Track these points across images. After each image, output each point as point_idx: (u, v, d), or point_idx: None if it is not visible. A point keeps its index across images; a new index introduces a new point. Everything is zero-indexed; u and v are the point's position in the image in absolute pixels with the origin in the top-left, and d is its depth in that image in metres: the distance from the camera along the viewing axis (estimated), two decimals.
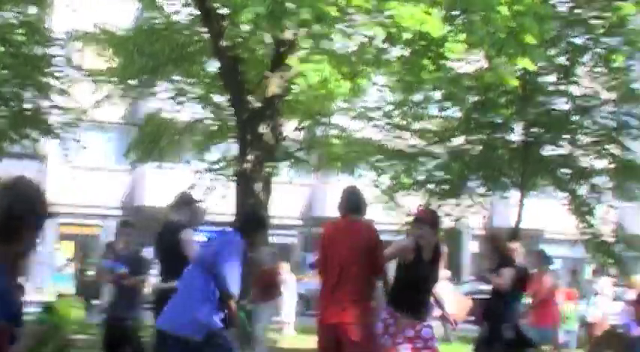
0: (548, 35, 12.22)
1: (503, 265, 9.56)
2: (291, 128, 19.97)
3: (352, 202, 8.33)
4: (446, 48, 11.97)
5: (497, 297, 9.71)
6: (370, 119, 20.97)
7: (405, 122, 21.23)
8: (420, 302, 8.39)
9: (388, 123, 21.10)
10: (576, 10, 20.35)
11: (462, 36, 11.37)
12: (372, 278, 8.16)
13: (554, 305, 13.64)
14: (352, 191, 8.46)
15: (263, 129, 13.76)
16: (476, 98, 21.22)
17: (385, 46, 12.13)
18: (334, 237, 8.27)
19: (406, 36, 11.59)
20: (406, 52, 12.28)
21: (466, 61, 16.51)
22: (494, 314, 9.69)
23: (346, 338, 7.83)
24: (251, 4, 11.15)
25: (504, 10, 11.63)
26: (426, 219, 8.51)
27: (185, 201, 9.46)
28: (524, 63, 11.96)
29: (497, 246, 9.88)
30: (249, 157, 13.62)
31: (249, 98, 14.05)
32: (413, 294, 8.27)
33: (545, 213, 31.12)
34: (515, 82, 13.46)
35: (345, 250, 8.02)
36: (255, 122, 13.77)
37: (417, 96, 20.62)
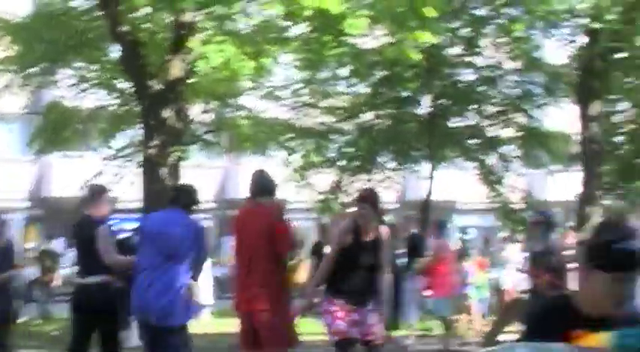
0: (448, 7, 12.23)
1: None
2: (198, 111, 19.72)
3: (258, 185, 8.23)
4: (346, 24, 11.89)
5: None
6: (278, 98, 20.85)
7: (313, 100, 21.17)
8: (362, 288, 7.81)
9: (296, 102, 21.02)
10: None
11: (362, 11, 11.31)
12: (281, 262, 8.07)
13: (451, 274, 13.80)
14: (259, 174, 8.35)
15: (167, 113, 13.52)
16: (382, 73, 21.32)
17: (286, 24, 12.01)
18: (244, 221, 8.17)
19: (306, 13, 11.48)
20: (307, 30, 12.19)
21: (370, 36, 16.49)
22: None
23: (259, 325, 7.76)
24: None
25: None
26: (368, 198, 8.08)
27: (94, 193, 9.25)
28: (425, 36, 11.99)
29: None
30: (154, 142, 13.37)
31: (151, 83, 13.78)
32: (353, 279, 7.80)
33: (457, 184, 31.47)
34: (417, 56, 13.47)
35: (253, 234, 7.93)
36: (158, 107, 13.51)
37: (324, 74, 20.58)
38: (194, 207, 8.27)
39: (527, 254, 10.15)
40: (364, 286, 7.82)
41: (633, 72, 16.95)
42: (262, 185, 8.25)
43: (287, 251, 8.15)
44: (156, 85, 13.79)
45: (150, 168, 13.42)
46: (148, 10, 11.97)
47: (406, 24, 11.45)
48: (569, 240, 15.51)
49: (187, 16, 13.41)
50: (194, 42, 13.51)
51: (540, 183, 31.53)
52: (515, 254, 17.64)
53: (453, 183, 30.14)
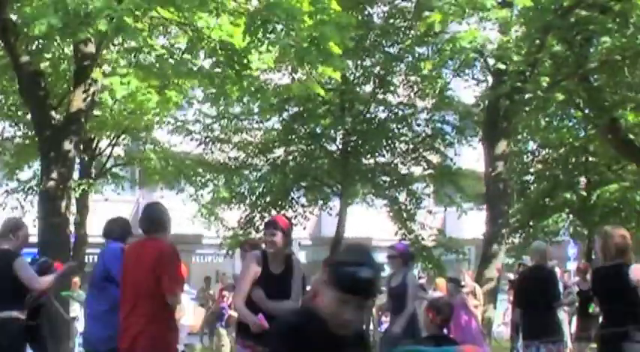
0: (360, 45, 12.26)
1: None
2: (106, 143, 19.42)
3: (149, 220, 8.00)
4: (251, 58, 11.83)
5: None
6: (189, 132, 20.65)
7: (223, 135, 21.03)
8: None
9: (207, 137, 20.83)
10: (391, 21, 20.79)
11: (265, 46, 11.24)
12: (168, 298, 7.83)
13: None
14: (150, 208, 8.12)
15: (67, 145, 13.19)
16: (295, 109, 21.32)
17: (189, 56, 11.88)
18: (131, 257, 7.93)
19: (210, 45, 11.40)
20: (208, 63, 12.08)
21: (276, 71, 16.47)
22: None
23: None
24: (44, 15, 10.64)
25: (309, 20, 11.61)
26: (280, 224, 7.17)
27: (12, 228, 9.03)
28: (328, 71, 11.98)
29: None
30: (53, 175, 13.02)
31: (52, 114, 13.46)
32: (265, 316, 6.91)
33: (372, 221, 31.53)
34: (322, 92, 13.46)
35: (140, 271, 7.69)
36: (58, 138, 13.18)
37: (237, 109, 20.49)
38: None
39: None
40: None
41: (536, 112, 17.23)
42: (153, 220, 8.01)
43: (174, 290, 7.88)
44: (57, 116, 13.47)
45: (48, 200, 13.05)
46: (47, 40, 11.67)
47: (308, 60, 11.40)
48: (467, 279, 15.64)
49: (89, 47, 13.16)
50: (97, 73, 13.26)
51: (455, 221, 31.77)
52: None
53: (369, 220, 30.15)
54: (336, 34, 11.45)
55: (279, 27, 11.40)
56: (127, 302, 7.77)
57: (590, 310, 11.52)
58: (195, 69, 12.03)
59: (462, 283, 13.84)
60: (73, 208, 19.31)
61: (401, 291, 9.84)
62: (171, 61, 11.95)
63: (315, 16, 11.60)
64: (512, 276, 15.43)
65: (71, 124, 13.40)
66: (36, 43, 13.02)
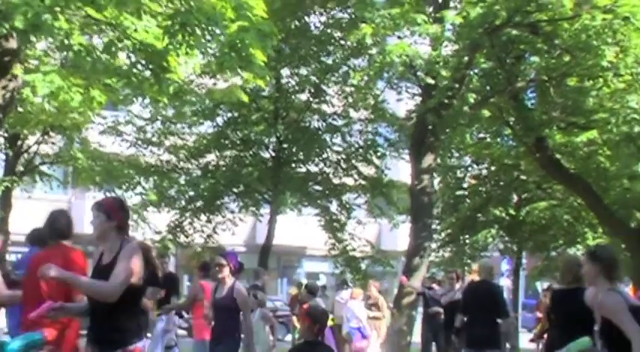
0: (271, 52, 12.24)
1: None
2: (33, 141, 19.18)
3: (51, 227, 7.80)
4: (172, 60, 11.74)
5: None
6: (120, 134, 20.49)
7: (156, 138, 20.90)
8: (103, 326, 5.77)
9: (138, 139, 20.68)
10: (327, 31, 20.83)
11: (183, 49, 11.16)
12: None
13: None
14: (54, 215, 7.93)
15: None
16: (229, 114, 21.28)
17: (105, 55, 11.73)
18: (33, 266, 7.73)
19: (127, 44, 11.28)
20: (127, 63, 11.94)
21: (204, 76, 16.42)
22: None
23: None
24: None
25: (233, 26, 11.57)
26: (104, 205, 5.96)
27: None
28: (251, 78, 11.96)
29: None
30: None
31: None
32: (95, 317, 5.88)
33: (305, 229, 31.56)
34: (245, 98, 13.44)
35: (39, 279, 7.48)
36: None
37: (170, 112, 20.38)
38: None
39: None
40: (103, 324, 5.96)
41: (462, 129, 17.39)
42: (55, 227, 7.85)
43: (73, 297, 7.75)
44: None
45: None
46: None
47: (228, 66, 11.35)
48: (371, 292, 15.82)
49: (11, 43, 12.95)
50: (17, 69, 13.05)
51: (388, 233, 31.89)
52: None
53: (302, 228, 30.15)
54: (257, 42, 11.41)
55: (198, 31, 11.32)
56: (28, 310, 7.54)
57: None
58: (112, 68, 11.88)
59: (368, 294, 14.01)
60: None
61: (228, 303, 9.30)
62: (88, 58, 11.77)
63: (236, 21, 11.55)
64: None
65: None
66: None
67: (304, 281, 31.76)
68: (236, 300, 9.23)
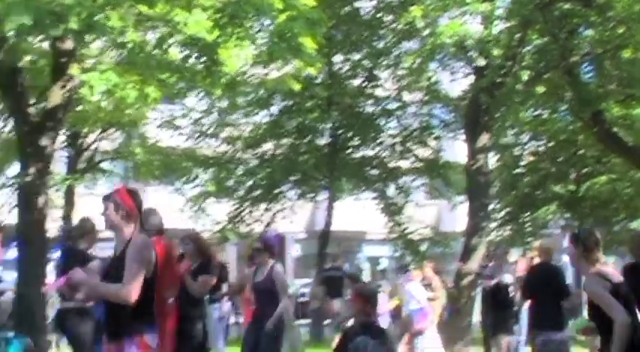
0: (321, 39, 12.32)
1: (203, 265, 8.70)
2: (92, 139, 19.54)
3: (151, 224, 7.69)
4: (223, 53, 11.89)
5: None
6: (177, 127, 20.76)
7: (212, 130, 21.13)
8: (116, 317, 5.74)
9: (195, 131, 20.94)
10: (378, 15, 20.80)
11: (233, 41, 11.31)
12: None
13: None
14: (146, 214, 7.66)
15: (45, 141, 13.26)
16: (283, 103, 21.41)
17: (157, 51, 11.95)
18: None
19: (179, 38, 11.48)
20: (179, 57, 12.12)
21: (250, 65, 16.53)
22: None
23: None
24: (14, 13, 10.73)
25: (282, 16, 11.70)
26: (111, 196, 5.89)
27: (88, 229, 9.39)
28: (301, 66, 12.08)
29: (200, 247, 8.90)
30: (31, 171, 13.10)
31: (30, 110, 13.55)
32: (108, 309, 5.87)
33: (364, 214, 31.60)
34: (297, 86, 13.55)
35: None
36: (36, 135, 13.26)
37: (225, 103, 20.55)
38: None
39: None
40: (117, 316, 5.94)
41: (516, 106, 17.25)
42: (153, 224, 7.85)
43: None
44: (34, 113, 13.56)
45: (24, 197, 13.14)
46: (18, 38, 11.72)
47: (278, 55, 11.49)
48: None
49: (67, 44, 13.24)
50: (74, 69, 13.33)
51: (449, 214, 31.77)
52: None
53: (361, 213, 30.20)
54: (306, 30, 11.52)
55: (247, 22, 11.48)
56: None
57: None
58: (165, 63, 12.09)
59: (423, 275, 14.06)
60: (61, 202, 19.54)
61: (267, 286, 9.43)
62: (142, 55, 11.99)
63: (285, 11, 11.67)
64: None
65: (48, 121, 13.47)
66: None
67: (366, 266, 31.96)
68: (275, 283, 9.38)
